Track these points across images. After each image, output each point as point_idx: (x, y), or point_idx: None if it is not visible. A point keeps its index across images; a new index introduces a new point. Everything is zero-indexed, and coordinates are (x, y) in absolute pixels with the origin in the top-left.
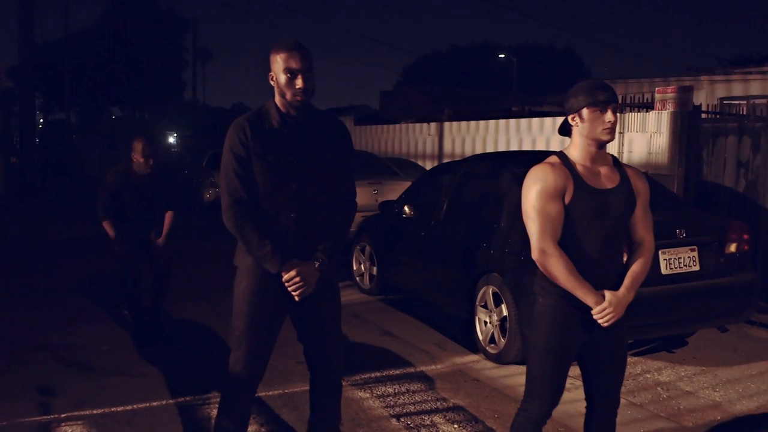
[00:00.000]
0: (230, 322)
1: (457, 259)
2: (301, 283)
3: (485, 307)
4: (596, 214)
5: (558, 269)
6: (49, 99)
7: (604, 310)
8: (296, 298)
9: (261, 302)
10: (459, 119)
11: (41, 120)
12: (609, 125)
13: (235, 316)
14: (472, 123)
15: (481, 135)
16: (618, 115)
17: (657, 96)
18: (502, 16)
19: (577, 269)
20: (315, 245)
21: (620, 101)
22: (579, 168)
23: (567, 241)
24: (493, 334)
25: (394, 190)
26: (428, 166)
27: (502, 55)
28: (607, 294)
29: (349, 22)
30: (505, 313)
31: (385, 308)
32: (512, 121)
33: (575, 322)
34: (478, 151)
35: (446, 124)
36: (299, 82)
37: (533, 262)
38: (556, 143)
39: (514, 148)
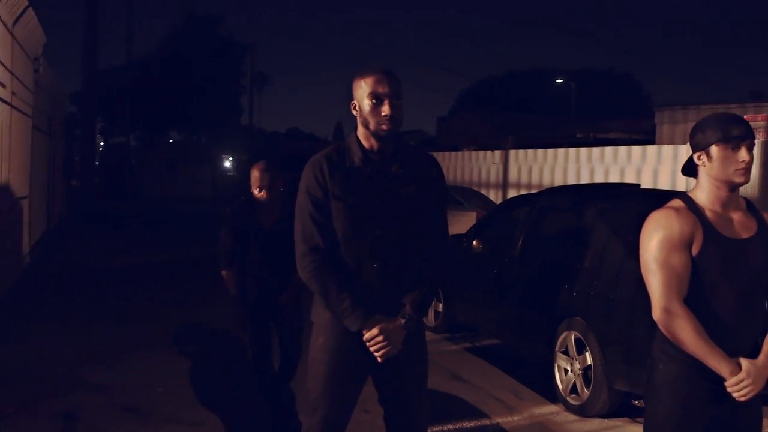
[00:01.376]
0: (302, 369)
1: (534, 299)
2: (384, 343)
3: (566, 353)
4: (730, 268)
5: (685, 332)
6: (109, 123)
7: (740, 382)
8: (379, 359)
9: (339, 363)
10: (522, 146)
11: (102, 143)
12: (743, 165)
13: (310, 378)
14: (540, 151)
15: (549, 164)
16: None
17: None
18: (559, 40)
19: (707, 332)
20: (401, 298)
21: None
22: (708, 213)
23: (695, 299)
24: (574, 383)
25: (460, 221)
26: (492, 195)
27: (560, 80)
28: (744, 363)
29: (402, 46)
30: (589, 361)
31: (452, 348)
32: (583, 149)
33: (704, 395)
34: (546, 180)
35: (512, 152)
36: (386, 109)
37: (623, 306)
38: (630, 174)
39: (585, 178)
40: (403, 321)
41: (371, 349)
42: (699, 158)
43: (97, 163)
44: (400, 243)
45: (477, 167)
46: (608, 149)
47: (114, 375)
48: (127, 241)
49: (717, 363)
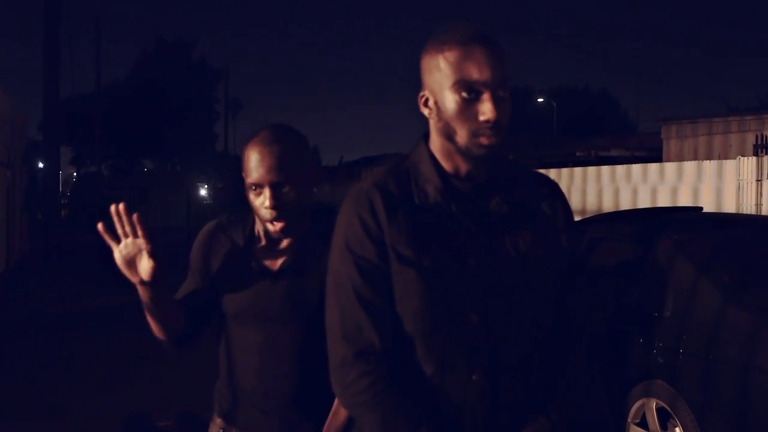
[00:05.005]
0: None
1: (592, 356)
2: None
3: (642, 425)
4: None
5: None
6: (81, 152)
7: None
8: None
9: None
10: None
11: (74, 173)
12: None
13: None
14: (552, 171)
15: (564, 184)
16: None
17: None
18: (528, 57)
19: None
20: (518, 427)
21: (759, 141)
22: None
23: None
24: None
25: None
26: None
27: (541, 99)
28: None
29: (375, 62)
30: None
31: None
32: (605, 168)
33: None
34: None
35: None
36: (486, 109)
37: (730, 368)
38: (664, 194)
39: (608, 198)
40: None
41: None
42: None
43: (68, 193)
44: (512, 335)
45: None
46: (636, 167)
47: None
48: (92, 278)
49: None
